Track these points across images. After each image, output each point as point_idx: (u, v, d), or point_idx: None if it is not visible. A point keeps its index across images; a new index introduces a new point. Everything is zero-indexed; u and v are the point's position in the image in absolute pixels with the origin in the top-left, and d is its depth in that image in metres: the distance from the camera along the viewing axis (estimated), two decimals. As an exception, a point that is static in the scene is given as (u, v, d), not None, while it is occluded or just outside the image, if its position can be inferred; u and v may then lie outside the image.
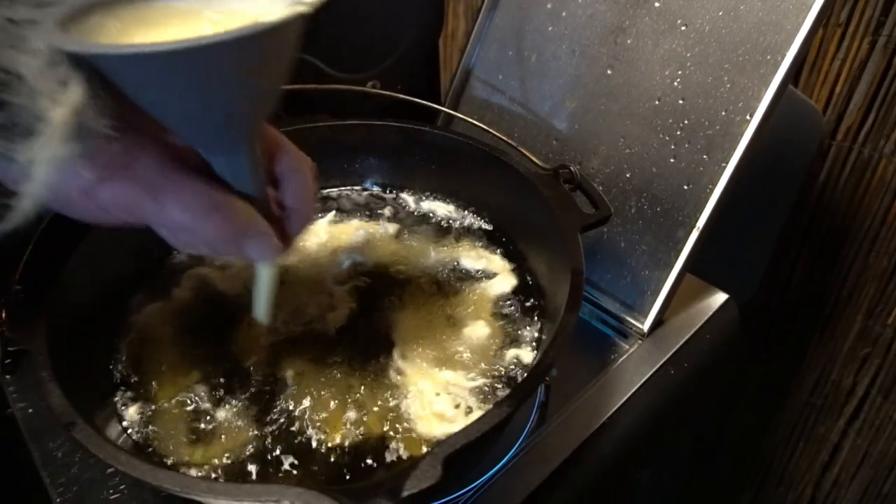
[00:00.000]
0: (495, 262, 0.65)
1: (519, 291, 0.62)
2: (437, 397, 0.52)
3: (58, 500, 0.52)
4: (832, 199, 0.96)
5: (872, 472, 1.18)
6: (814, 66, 0.90)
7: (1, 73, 0.32)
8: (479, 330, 0.57)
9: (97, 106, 0.34)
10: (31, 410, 0.58)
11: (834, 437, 1.21)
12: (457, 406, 0.51)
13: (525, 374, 0.53)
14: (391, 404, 0.52)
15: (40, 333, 0.48)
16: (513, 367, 0.54)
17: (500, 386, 0.53)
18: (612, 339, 0.68)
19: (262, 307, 0.50)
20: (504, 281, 0.63)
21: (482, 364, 0.55)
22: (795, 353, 1.14)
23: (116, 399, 0.52)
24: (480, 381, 0.53)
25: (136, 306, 0.59)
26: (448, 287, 0.62)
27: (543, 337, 0.57)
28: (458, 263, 0.65)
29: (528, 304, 0.60)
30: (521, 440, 0.58)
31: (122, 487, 0.52)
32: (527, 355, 0.55)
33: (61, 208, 0.37)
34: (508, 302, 0.61)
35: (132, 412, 0.51)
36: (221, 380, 0.53)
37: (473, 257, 0.65)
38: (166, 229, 0.40)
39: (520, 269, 0.64)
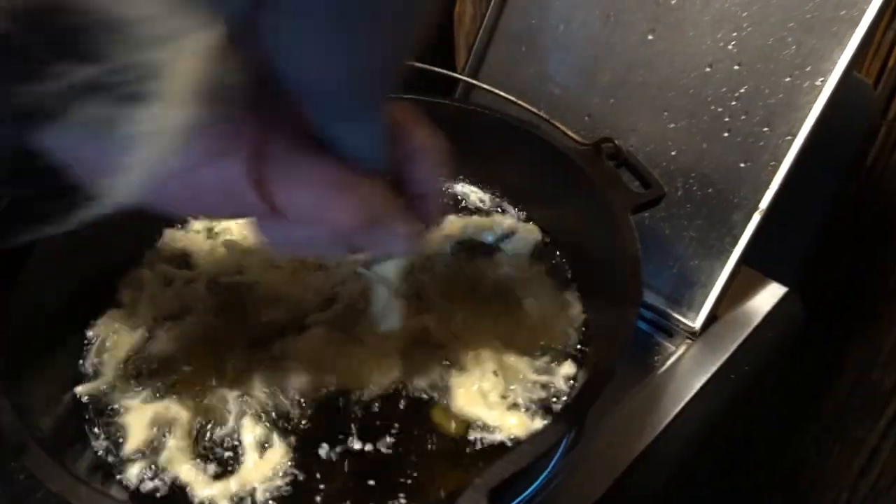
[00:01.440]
0: (507, 221, 0.60)
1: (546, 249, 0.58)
2: (494, 377, 0.46)
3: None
4: (881, 183, 0.88)
5: (913, 480, 1.10)
6: (864, 36, 0.82)
7: (100, 16, 0.23)
8: (535, 300, 0.52)
9: (229, 57, 0.25)
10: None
11: (872, 441, 1.13)
12: (504, 397, 0.45)
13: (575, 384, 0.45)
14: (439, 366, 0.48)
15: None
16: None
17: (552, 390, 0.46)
18: (656, 339, 0.60)
19: (390, 316, 0.46)
20: (528, 235, 0.58)
21: (548, 344, 0.49)
22: (834, 348, 1.06)
23: (86, 419, 0.44)
24: (544, 378, 0.47)
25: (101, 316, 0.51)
26: (482, 267, 0.56)
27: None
28: (476, 238, 0.59)
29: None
30: (553, 463, 0.49)
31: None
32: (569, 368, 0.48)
33: (146, 197, 0.28)
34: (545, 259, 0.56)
35: (101, 435, 0.44)
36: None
37: (487, 226, 0.59)
38: (280, 218, 0.32)
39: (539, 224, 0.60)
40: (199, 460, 0.43)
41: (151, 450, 0.43)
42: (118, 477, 0.42)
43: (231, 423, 0.44)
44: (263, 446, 0.43)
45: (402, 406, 0.46)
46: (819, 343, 1.07)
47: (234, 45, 0.25)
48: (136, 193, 0.26)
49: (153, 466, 0.42)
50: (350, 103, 0.31)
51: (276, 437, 0.43)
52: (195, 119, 0.25)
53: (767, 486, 1.30)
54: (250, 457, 0.42)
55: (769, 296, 0.62)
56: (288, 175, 0.31)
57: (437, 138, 0.36)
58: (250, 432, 0.43)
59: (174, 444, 0.42)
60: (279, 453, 0.43)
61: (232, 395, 0.46)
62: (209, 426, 0.44)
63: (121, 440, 0.43)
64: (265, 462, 0.42)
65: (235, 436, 0.44)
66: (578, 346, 0.49)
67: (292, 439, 0.43)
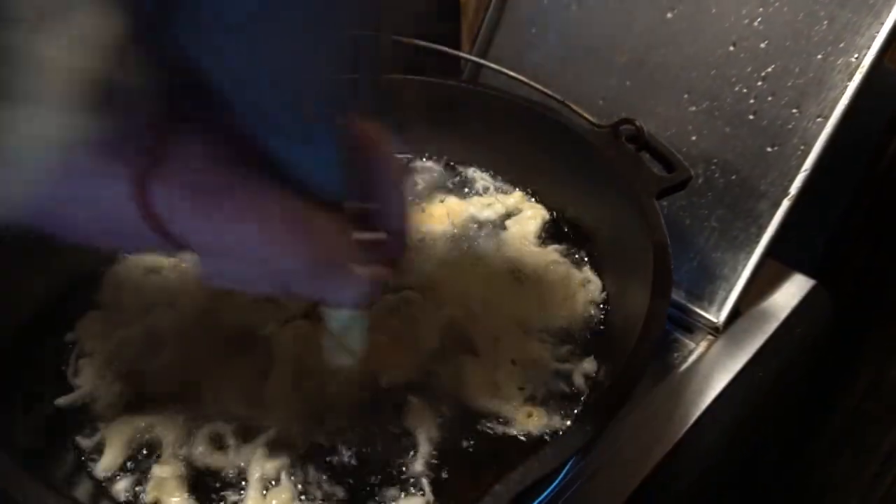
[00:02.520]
0: (511, 201, 0.57)
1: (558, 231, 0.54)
2: (511, 366, 0.43)
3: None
4: (903, 175, 0.85)
5: (928, 487, 1.07)
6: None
7: None
8: (550, 278, 0.50)
9: (132, 54, 0.21)
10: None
11: (887, 446, 1.09)
12: (520, 388, 0.42)
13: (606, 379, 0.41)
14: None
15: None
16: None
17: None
18: (675, 336, 0.56)
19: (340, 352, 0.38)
20: (534, 213, 0.55)
21: (569, 325, 0.47)
22: (852, 345, 1.02)
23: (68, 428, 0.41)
24: (566, 367, 0.44)
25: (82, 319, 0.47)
26: (488, 246, 0.53)
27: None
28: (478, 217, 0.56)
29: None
30: (567, 468, 0.46)
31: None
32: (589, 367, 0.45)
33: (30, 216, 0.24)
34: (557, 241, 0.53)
35: (87, 443, 0.40)
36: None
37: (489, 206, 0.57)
38: (217, 256, 0.27)
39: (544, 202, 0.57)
40: (189, 494, 0.38)
41: (137, 469, 0.39)
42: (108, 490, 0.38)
43: (231, 451, 0.40)
44: (269, 483, 0.38)
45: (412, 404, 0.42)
46: (834, 341, 1.04)
47: (138, 44, 0.21)
48: (14, 211, 0.22)
49: (140, 485, 0.38)
50: (292, 114, 0.27)
51: (283, 476, 0.38)
52: (84, 126, 0.21)
53: (776, 493, 1.27)
54: (252, 495, 0.38)
55: (796, 289, 0.58)
56: (221, 204, 0.26)
57: (404, 167, 0.33)
58: (259, 467, 0.38)
59: (159, 472, 0.38)
60: (285, 497, 0.38)
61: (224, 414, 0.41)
62: (201, 452, 0.40)
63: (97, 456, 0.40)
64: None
65: (234, 469, 0.39)
66: (600, 328, 0.46)
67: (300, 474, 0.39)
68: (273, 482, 0.38)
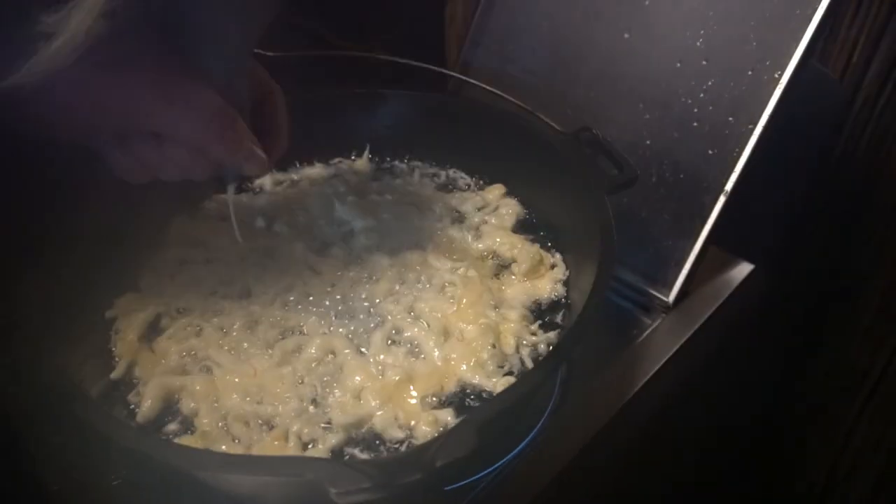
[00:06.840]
0: (490, 196, 0.65)
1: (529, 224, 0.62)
2: (491, 349, 0.49)
3: (55, 487, 0.48)
4: (849, 172, 0.93)
5: (888, 459, 1.14)
6: (830, 31, 0.86)
7: None
8: (523, 263, 0.57)
9: None
10: (20, 390, 0.53)
11: (848, 422, 1.17)
12: (500, 366, 0.48)
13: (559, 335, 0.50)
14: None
15: (29, 304, 0.44)
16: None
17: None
18: (634, 314, 0.65)
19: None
20: (509, 208, 0.63)
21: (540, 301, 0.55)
22: (813, 327, 1.10)
23: (116, 377, 0.49)
24: (539, 339, 0.51)
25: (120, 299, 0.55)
26: (469, 236, 0.60)
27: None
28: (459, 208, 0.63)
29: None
30: (543, 419, 0.55)
31: (124, 473, 0.48)
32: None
33: (50, 109, 0.36)
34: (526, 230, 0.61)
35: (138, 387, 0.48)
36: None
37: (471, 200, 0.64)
38: (172, 138, 0.40)
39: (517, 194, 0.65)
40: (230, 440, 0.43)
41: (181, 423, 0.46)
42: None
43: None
44: (307, 445, 0.44)
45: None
46: (793, 326, 1.11)
47: None
48: (38, 78, 0.31)
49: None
50: (228, 44, 0.40)
51: (320, 443, 0.44)
52: (99, 27, 0.31)
53: (745, 469, 1.33)
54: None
55: (737, 273, 0.67)
56: (177, 96, 0.38)
57: (276, 88, 0.48)
58: (298, 426, 0.44)
59: (199, 424, 0.45)
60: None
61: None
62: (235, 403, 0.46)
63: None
64: None
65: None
66: (564, 302, 0.55)
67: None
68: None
